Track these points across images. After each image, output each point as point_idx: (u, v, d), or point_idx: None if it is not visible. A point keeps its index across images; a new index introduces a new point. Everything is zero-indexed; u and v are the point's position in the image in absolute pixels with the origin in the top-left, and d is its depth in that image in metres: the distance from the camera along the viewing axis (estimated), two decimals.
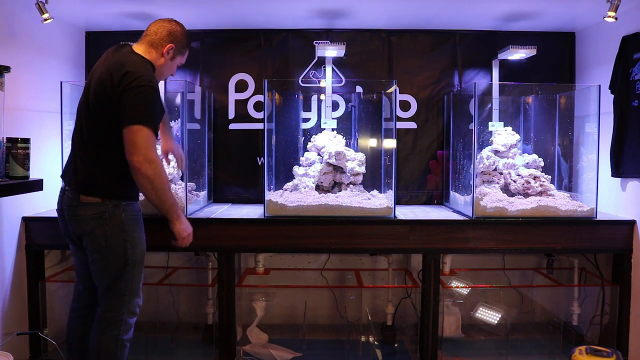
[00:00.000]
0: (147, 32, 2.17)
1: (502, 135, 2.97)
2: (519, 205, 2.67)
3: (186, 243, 2.19)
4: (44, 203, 2.77)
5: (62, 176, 2.16)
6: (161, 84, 2.77)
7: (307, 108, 3.25)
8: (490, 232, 2.62)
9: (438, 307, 2.66)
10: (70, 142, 2.18)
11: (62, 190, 2.13)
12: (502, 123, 2.99)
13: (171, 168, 2.84)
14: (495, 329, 3.16)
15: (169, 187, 2.07)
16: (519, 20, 3.00)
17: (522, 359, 2.90)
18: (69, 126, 2.70)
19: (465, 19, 3.04)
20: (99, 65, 2.08)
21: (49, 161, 2.69)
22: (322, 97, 3.15)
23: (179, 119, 2.97)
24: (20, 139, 2.09)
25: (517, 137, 2.98)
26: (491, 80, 3.13)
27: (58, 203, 2.14)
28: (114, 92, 1.94)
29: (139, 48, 2.14)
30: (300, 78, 3.24)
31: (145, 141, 1.93)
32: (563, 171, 3.05)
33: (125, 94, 1.93)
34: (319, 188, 2.89)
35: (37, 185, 2.14)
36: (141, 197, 2.14)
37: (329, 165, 2.87)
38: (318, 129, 3.15)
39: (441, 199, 3.27)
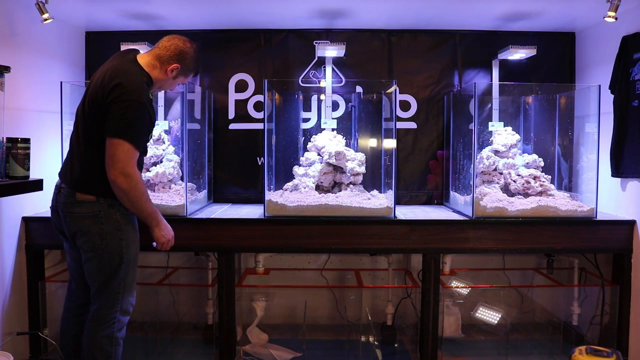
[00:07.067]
0: (158, 44, 2.16)
1: (502, 135, 2.97)
2: (519, 205, 2.67)
3: (166, 248, 2.22)
4: (44, 203, 2.77)
5: (59, 174, 2.18)
6: None
7: (307, 108, 3.25)
8: (490, 232, 2.62)
9: (438, 307, 2.65)
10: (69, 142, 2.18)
11: (58, 188, 2.14)
12: (502, 123, 2.99)
13: (171, 168, 2.84)
14: (495, 329, 3.16)
15: (147, 199, 2.08)
16: (519, 20, 3.00)
17: (522, 359, 2.91)
18: (69, 126, 2.70)
19: (465, 19, 3.04)
20: (100, 69, 2.10)
21: (49, 161, 2.68)
22: (322, 97, 3.14)
23: (179, 119, 2.97)
24: (20, 139, 2.09)
25: (517, 137, 2.98)
26: (491, 80, 3.13)
27: (52, 200, 2.16)
28: (104, 101, 1.96)
29: (143, 58, 2.13)
30: (300, 78, 3.24)
31: (124, 155, 1.96)
32: (563, 171, 3.05)
33: (112, 106, 1.95)
34: (319, 188, 2.89)
35: (37, 185, 2.15)
36: None
37: (329, 165, 2.87)
38: (318, 129, 3.15)
39: (441, 199, 3.27)
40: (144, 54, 2.16)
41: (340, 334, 3.18)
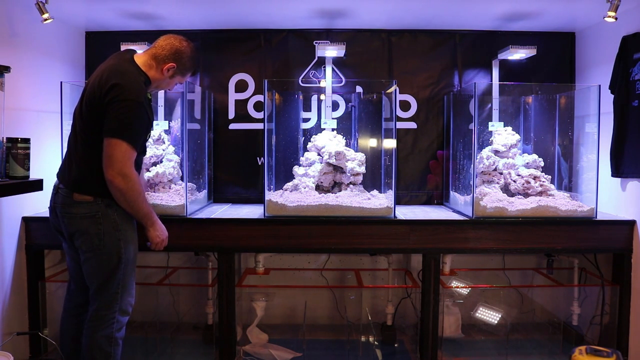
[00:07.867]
0: (155, 43, 2.17)
1: (502, 135, 2.97)
2: (519, 205, 2.67)
3: (159, 247, 2.22)
4: (44, 203, 2.74)
5: (57, 174, 2.18)
6: None
7: (307, 108, 3.25)
8: (490, 232, 2.62)
9: (438, 307, 2.65)
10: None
11: (56, 188, 2.14)
12: (502, 123, 2.99)
13: (171, 168, 2.84)
14: (495, 329, 3.16)
15: (143, 199, 2.09)
16: (519, 20, 3.00)
17: (522, 359, 2.90)
18: (69, 126, 2.70)
19: (465, 19, 3.04)
20: (98, 69, 2.10)
21: (49, 161, 2.68)
22: (322, 97, 3.14)
23: (179, 119, 2.97)
24: (20, 139, 2.09)
25: (517, 137, 2.98)
26: (491, 80, 3.13)
27: (51, 200, 2.16)
28: (101, 102, 1.96)
29: (140, 58, 2.13)
30: (300, 78, 3.24)
31: (122, 155, 1.96)
32: (563, 171, 3.05)
33: (110, 107, 1.95)
34: (319, 188, 2.89)
35: (37, 185, 2.15)
36: None
37: (329, 165, 2.87)
38: (318, 129, 3.14)
39: (441, 199, 3.26)
40: (141, 53, 2.16)
41: (340, 334, 3.18)
